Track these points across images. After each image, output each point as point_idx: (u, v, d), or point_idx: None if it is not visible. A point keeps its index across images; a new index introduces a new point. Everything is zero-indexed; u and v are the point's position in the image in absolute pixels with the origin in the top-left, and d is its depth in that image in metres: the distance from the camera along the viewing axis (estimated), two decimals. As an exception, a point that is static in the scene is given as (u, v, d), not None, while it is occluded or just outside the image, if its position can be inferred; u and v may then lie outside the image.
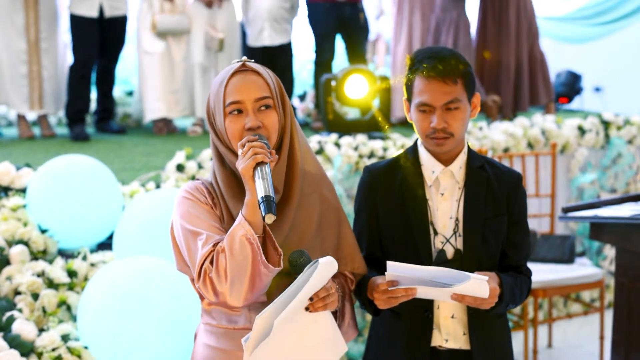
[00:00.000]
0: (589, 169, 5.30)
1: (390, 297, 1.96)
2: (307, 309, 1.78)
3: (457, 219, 2.12)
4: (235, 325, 1.89)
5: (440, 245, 2.11)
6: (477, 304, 1.97)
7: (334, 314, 1.92)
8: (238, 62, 1.90)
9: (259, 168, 1.76)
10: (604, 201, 3.04)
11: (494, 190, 2.14)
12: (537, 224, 4.81)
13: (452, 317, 2.12)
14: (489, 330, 2.14)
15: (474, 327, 2.11)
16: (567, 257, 4.11)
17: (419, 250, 2.11)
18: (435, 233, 2.12)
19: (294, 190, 1.89)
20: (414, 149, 2.20)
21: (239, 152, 1.79)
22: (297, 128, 1.95)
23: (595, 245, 5.15)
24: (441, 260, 2.10)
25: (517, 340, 4.50)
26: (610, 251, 5.14)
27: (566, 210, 2.95)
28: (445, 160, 2.14)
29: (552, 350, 4.53)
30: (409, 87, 2.12)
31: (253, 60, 1.92)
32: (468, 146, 2.18)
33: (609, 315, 3.67)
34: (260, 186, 1.74)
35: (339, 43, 6.02)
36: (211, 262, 1.78)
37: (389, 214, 2.16)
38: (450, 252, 2.11)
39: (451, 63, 2.05)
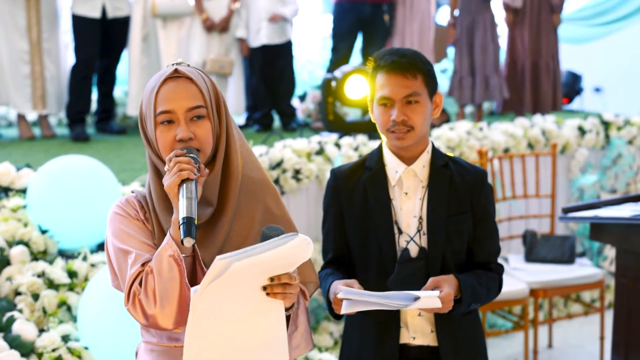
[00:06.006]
0: (589, 169, 5.29)
1: None
2: (264, 289, 1.63)
3: (420, 217, 2.14)
4: (177, 343, 1.77)
5: (405, 244, 2.14)
6: (437, 311, 2.01)
7: (287, 319, 1.80)
8: (171, 65, 1.79)
9: (184, 185, 1.66)
10: (604, 201, 3.04)
11: (457, 188, 2.17)
12: (537, 225, 4.82)
13: (419, 314, 2.15)
14: (457, 327, 2.16)
15: (441, 324, 2.14)
16: (567, 257, 4.11)
17: (383, 249, 2.14)
18: (400, 232, 2.15)
19: (229, 202, 1.79)
20: (378, 151, 2.23)
21: (166, 167, 1.71)
22: (234, 135, 1.83)
23: (596, 246, 5.15)
24: (405, 259, 2.12)
25: (517, 340, 4.51)
26: (610, 251, 5.14)
27: (566, 210, 2.95)
28: (409, 159, 2.17)
29: (553, 351, 4.52)
30: (372, 85, 2.18)
31: (188, 65, 1.81)
32: (433, 145, 2.21)
33: (609, 316, 3.66)
34: (183, 206, 1.64)
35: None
36: (140, 284, 1.69)
37: (354, 214, 2.19)
38: (414, 251, 2.13)
39: (411, 59, 2.11)
